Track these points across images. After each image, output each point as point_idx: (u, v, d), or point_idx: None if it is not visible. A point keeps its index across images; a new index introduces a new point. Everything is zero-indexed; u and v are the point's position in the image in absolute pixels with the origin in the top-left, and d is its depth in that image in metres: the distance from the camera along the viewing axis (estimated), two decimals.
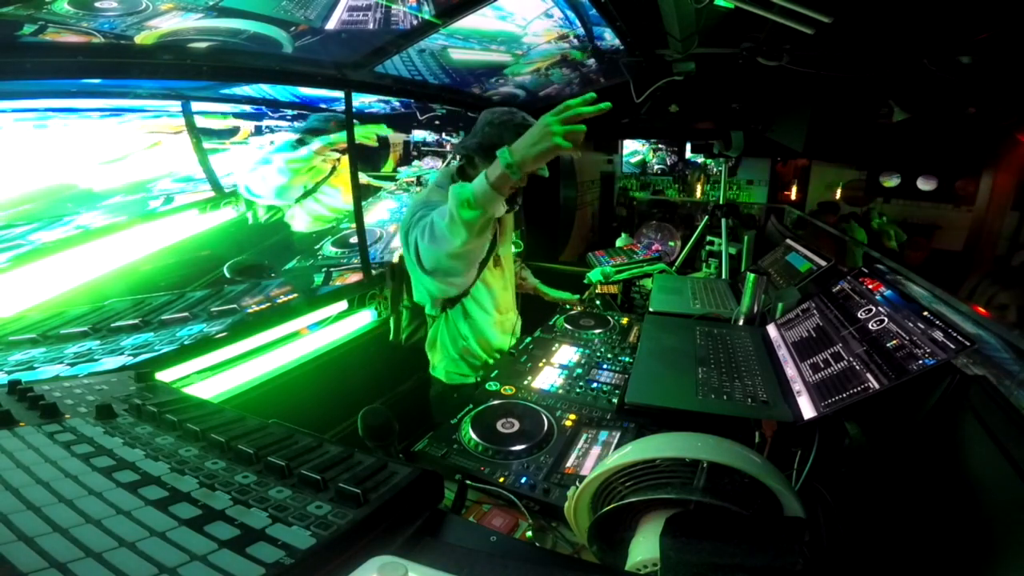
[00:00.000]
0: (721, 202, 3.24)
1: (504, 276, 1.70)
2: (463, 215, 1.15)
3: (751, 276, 1.61)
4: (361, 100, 2.40)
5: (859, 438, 1.07)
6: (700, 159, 5.93)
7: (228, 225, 1.97)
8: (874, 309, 1.21)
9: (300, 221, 2.27)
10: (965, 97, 2.47)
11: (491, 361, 1.67)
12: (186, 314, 1.68)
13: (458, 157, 1.51)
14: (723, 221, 3.03)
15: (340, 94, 2.17)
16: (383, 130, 2.59)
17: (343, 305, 2.34)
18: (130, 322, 1.54)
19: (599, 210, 5.74)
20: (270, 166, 2.13)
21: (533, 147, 1.09)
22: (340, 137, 2.29)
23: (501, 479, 0.94)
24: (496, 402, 1.19)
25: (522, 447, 1.01)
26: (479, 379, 1.45)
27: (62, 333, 1.40)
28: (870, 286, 1.31)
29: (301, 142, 2.20)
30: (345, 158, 2.33)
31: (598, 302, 2.07)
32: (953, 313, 1.28)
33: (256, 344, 1.90)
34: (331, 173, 2.34)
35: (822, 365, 1.16)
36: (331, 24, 1.59)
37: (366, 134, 2.49)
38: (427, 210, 1.32)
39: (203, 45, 1.51)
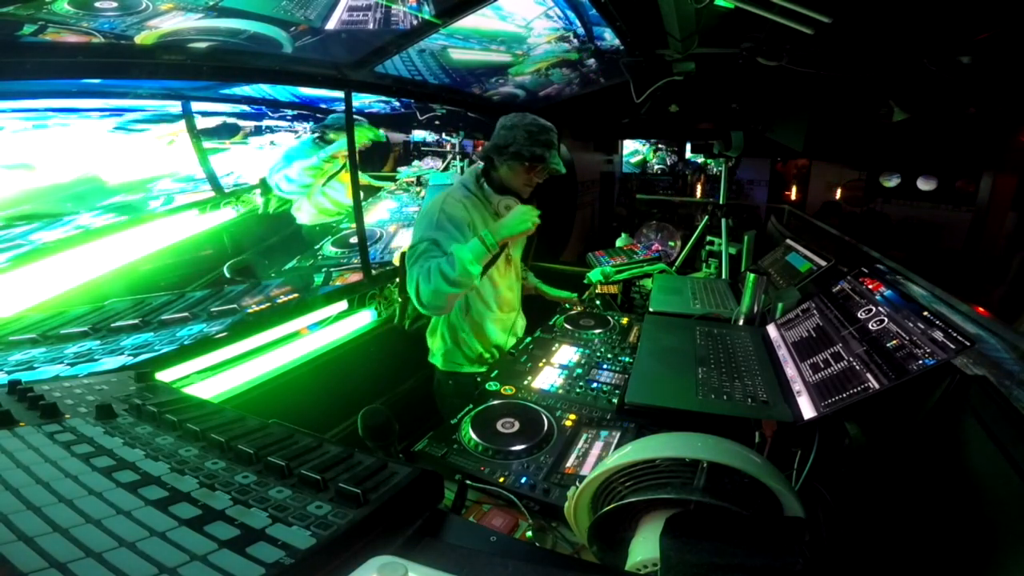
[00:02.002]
0: (721, 202, 3.24)
1: (511, 277, 1.77)
2: (473, 270, 1.43)
3: (751, 276, 1.61)
4: (361, 100, 2.40)
5: (859, 438, 1.07)
6: (700, 159, 5.92)
7: (228, 225, 1.97)
8: (874, 309, 1.21)
9: (306, 214, 2.30)
10: (965, 97, 2.47)
11: (487, 355, 1.73)
12: (186, 314, 1.68)
13: (482, 160, 1.67)
14: (723, 221, 3.03)
15: (340, 94, 2.17)
16: (374, 133, 2.58)
17: (343, 305, 2.34)
18: (130, 322, 1.55)
19: (599, 210, 5.74)
20: (291, 170, 2.24)
21: (516, 227, 1.51)
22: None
23: (501, 479, 0.94)
24: (496, 402, 1.19)
25: (522, 447, 1.01)
26: (479, 375, 1.51)
27: (62, 333, 1.40)
28: (870, 286, 1.31)
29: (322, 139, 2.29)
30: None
31: (598, 302, 2.07)
32: (953, 313, 1.28)
33: (256, 344, 1.90)
34: (343, 168, 2.37)
35: (822, 365, 1.16)
36: (331, 24, 1.59)
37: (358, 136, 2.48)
38: (442, 234, 1.50)
39: (203, 45, 1.51)
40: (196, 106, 1.78)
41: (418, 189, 2.98)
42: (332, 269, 2.38)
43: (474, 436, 1.04)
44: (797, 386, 1.15)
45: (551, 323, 1.73)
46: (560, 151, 4.23)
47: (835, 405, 1.00)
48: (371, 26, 1.68)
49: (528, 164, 1.57)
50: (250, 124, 2.04)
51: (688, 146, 5.90)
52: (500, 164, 1.60)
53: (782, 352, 1.34)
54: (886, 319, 1.14)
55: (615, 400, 1.21)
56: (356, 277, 2.41)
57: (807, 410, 1.05)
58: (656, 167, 6.15)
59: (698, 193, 5.96)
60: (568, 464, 0.98)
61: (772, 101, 3.04)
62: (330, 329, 2.26)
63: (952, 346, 0.94)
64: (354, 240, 2.40)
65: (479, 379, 1.35)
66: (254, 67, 1.74)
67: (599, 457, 0.99)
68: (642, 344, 1.44)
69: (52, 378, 1.00)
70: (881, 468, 1.03)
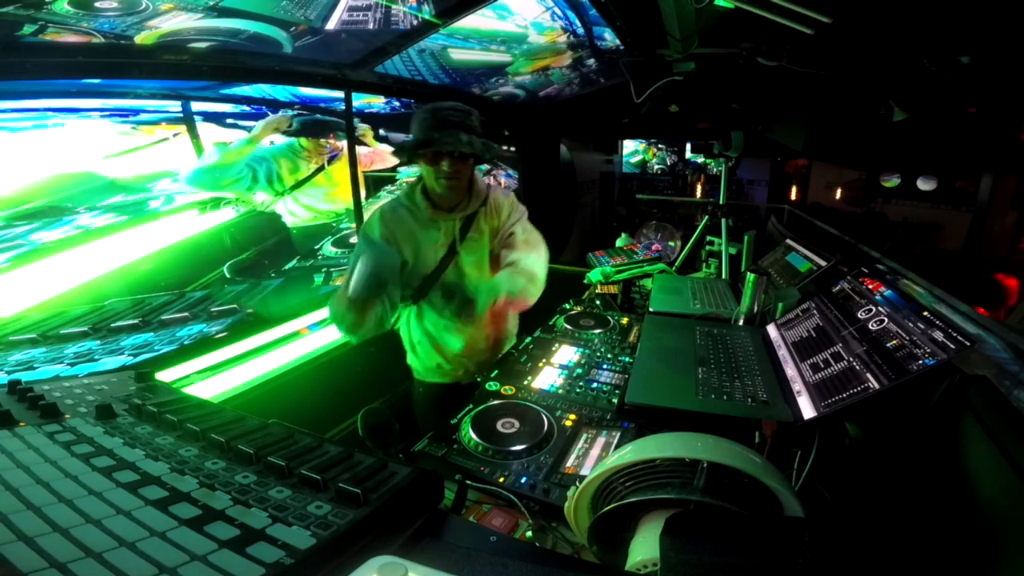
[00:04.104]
0: (721, 202, 3.23)
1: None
2: (345, 321, 1.33)
3: (751, 276, 1.61)
4: (361, 100, 2.40)
5: (859, 438, 1.07)
6: (700, 159, 5.93)
7: (228, 225, 1.97)
8: (874, 309, 1.21)
9: (288, 218, 2.28)
10: (965, 97, 2.46)
11: (447, 366, 1.63)
12: (186, 314, 1.69)
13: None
14: (723, 221, 3.03)
15: (340, 94, 2.17)
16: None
17: None
18: (130, 322, 1.55)
19: (599, 210, 5.74)
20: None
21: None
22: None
23: (501, 479, 0.94)
24: (496, 402, 1.19)
25: (522, 447, 1.01)
26: (444, 386, 1.46)
27: (62, 333, 1.40)
28: (870, 286, 1.31)
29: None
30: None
31: (598, 302, 2.07)
32: (953, 313, 1.28)
33: (256, 344, 1.90)
34: (317, 171, 2.35)
35: (822, 365, 1.16)
36: (331, 24, 1.59)
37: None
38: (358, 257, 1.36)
39: (203, 45, 1.51)
40: (196, 106, 1.78)
41: None
42: (332, 269, 2.38)
43: (474, 436, 1.04)
44: (797, 386, 1.15)
45: (551, 323, 1.72)
46: (563, 145, 4.19)
47: (835, 405, 1.00)
48: (371, 26, 1.68)
49: (419, 151, 1.37)
50: (250, 124, 2.04)
51: (688, 146, 5.91)
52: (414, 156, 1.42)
53: (782, 352, 1.34)
54: (886, 319, 1.14)
55: (615, 400, 1.21)
56: None
57: (807, 410, 1.05)
58: (656, 167, 6.15)
59: (698, 193, 5.96)
60: (568, 464, 0.98)
61: (772, 101, 3.04)
62: (330, 329, 2.26)
63: (952, 346, 0.94)
64: (354, 240, 2.40)
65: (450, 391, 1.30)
66: (254, 67, 1.74)
67: (599, 457, 0.99)
68: (642, 344, 1.43)
69: (52, 378, 1.00)
70: (881, 468, 1.03)
